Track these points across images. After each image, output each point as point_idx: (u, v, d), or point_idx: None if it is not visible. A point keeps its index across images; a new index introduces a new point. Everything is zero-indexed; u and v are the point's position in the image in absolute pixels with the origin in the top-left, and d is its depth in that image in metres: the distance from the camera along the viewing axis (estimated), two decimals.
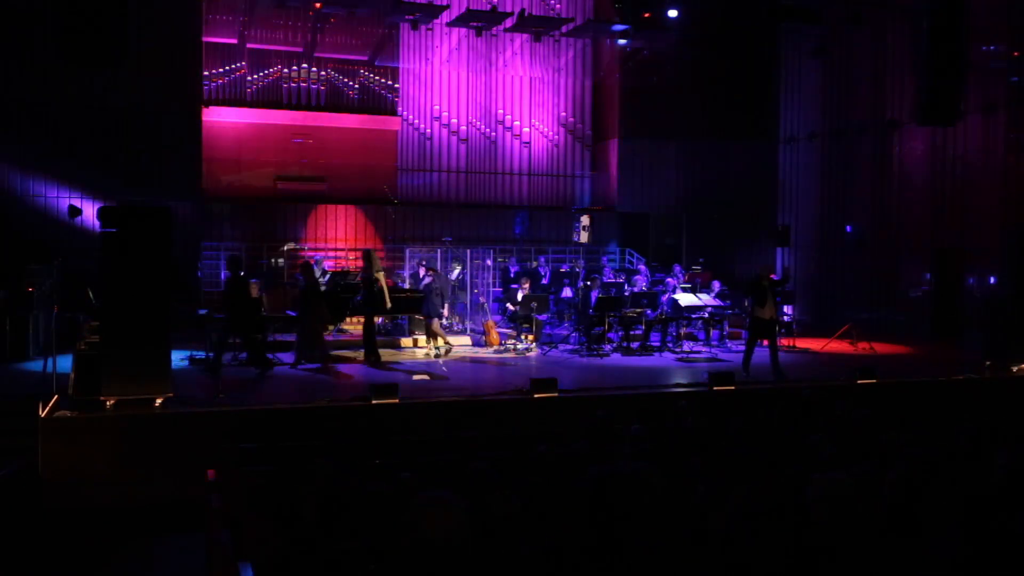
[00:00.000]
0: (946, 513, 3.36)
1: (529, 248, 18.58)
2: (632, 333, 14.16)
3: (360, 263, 14.26)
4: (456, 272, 15.66)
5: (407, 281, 15.48)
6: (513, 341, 13.94)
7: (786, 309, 15.22)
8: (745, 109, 19.51)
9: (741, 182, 19.87)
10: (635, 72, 19.44)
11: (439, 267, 15.47)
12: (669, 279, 15.62)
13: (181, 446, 8.28)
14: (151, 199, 15.48)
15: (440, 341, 13.29)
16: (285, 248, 16.95)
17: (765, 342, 12.02)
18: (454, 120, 19.60)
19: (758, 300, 11.90)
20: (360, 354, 12.75)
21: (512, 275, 15.89)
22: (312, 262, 13.38)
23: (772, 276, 12.49)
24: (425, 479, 5.23)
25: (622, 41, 18.33)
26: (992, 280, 14.88)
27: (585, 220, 18.57)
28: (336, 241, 17.96)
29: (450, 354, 13.14)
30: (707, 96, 19.15)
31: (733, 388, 10.24)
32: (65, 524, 7.51)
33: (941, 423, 6.55)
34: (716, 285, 14.90)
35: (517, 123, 20.09)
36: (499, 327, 14.57)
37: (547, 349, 13.90)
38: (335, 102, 18.74)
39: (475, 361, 12.92)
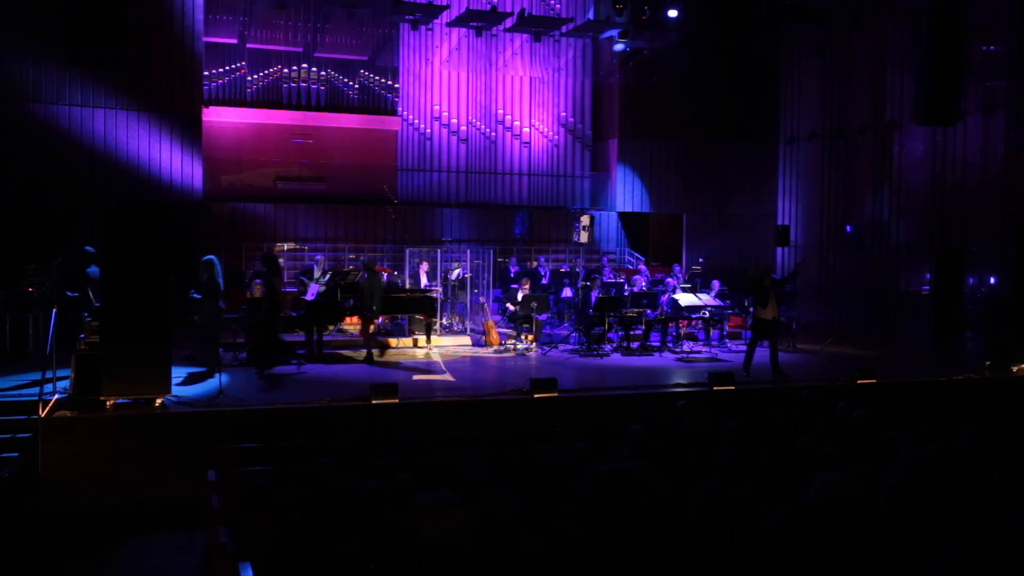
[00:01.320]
0: (946, 513, 3.37)
1: (529, 248, 18.58)
2: (632, 333, 14.16)
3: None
4: (456, 272, 15.67)
5: (407, 281, 15.50)
6: (513, 341, 13.94)
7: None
8: (745, 109, 19.51)
9: (741, 182, 19.87)
10: (635, 72, 19.44)
11: (439, 267, 15.48)
12: (669, 279, 15.63)
13: (181, 446, 8.28)
14: (151, 199, 15.51)
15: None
16: (285, 248, 16.96)
17: (765, 342, 12.02)
18: (454, 120, 19.60)
19: (760, 300, 11.89)
20: (360, 354, 12.76)
21: (512, 275, 15.89)
22: (214, 258, 12.84)
23: (773, 275, 12.50)
24: (424, 479, 5.23)
25: (619, 45, 18.31)
26: (992, 280, 14.88)
27: (585, 220, 18.59)
28: (336, 241, 17.96)
29: (381, 358, 12.70)
30: (707, 96, 19.15)
31: (733, 388, 10.25)
32: (65, 524, 7.51)
33: (941, 423, 6.55)
34: (716, 285, 14.90)
35: (517, 123, 20.09)
36: (499, 327, 14.57)
37: (547, 349, 13.90)
38: (335, 102, 18.74)
39: (475, 361, 12.91)
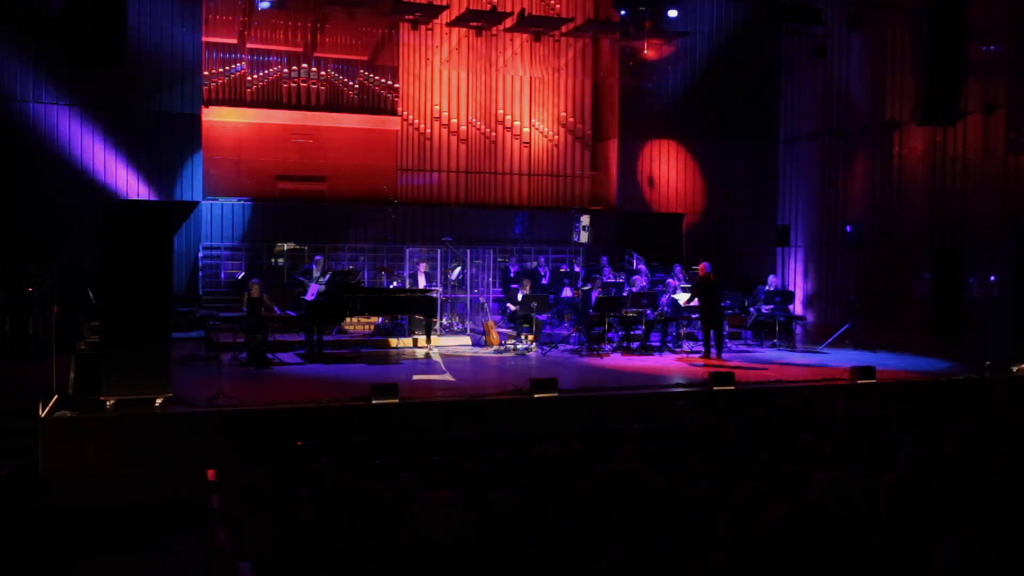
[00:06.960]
0: (947, 513, 3.37)
1: (529, 248, 18.57)
2: (632, 333, 14.16)
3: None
4: (456, 272, 15.66)
5: (406, 281, 15.50)
6: (513, 341, 13.94)
7: (790, 308, 15.31)
8: (745, 109, 19.49)
9: (741, 182, 19.86)
10: (635, 72, 19.43)
11: (439, 267, 15.48)
12: (669, 279, 15.63)
13: (181, 446, 8.28)
14: (151, 199, 15.52)
15: None
16: (285, 248, 16.95)
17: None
18: (454, 120, 19.59)
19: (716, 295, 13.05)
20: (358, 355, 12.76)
21: (512, 275, 15.88)
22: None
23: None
24: (425, 479, 5.23)
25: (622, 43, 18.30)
26: (992, 280, 14.87)
27: (585, 220, 18.56)
28: (336, 241, 17.94)
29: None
30: (707, 96, 19.14)
31: (733, 388, 10.25)
32: (65, 524, 7.51)
33: (941, 423, 6.55)
34: None
35: (517, 123, 20.08)
36: (499, 327, 14.57)
37: (547, 349, 13.90)
38: (335, 102, 18.72)
39: (475, 361, 12.91)
